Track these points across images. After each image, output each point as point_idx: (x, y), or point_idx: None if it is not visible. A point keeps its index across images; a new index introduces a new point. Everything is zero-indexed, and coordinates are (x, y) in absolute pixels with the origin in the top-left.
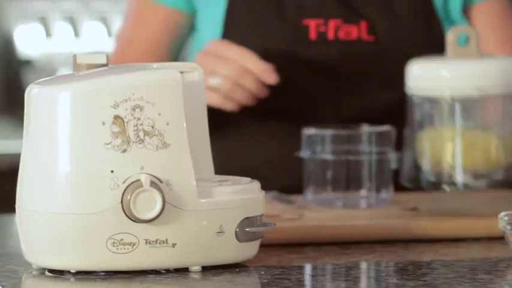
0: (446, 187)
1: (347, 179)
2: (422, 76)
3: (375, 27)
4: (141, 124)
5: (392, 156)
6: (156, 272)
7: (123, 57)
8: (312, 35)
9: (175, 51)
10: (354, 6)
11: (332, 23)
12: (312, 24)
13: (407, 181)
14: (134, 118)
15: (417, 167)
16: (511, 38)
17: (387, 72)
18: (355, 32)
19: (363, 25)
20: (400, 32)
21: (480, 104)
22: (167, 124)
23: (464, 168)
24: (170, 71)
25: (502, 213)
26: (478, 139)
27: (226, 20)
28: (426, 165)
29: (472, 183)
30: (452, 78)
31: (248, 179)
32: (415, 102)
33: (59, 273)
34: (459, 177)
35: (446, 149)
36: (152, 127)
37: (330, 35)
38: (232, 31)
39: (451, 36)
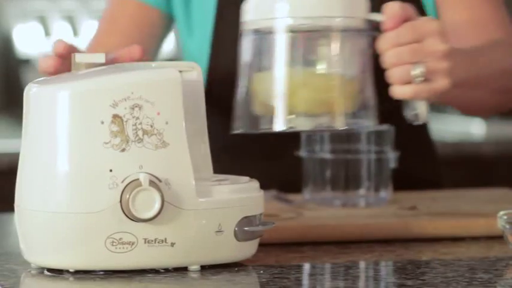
0: (278, 128)
1: (346, 178)
2: (256, 8)
3: None
4: (140, 123)
5: (391, 155)
6: (155, 271)
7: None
8: None
9: (151, 51)
10: None
11: None
12: None
13: (240, 127)
14: (133, 117)
15: (250, 110)
16: (488, 17)
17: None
18: None
19: None
20: None
21: (318, 40)
22: (166, 123)
23: (294, 111)
24: (169, 70)
25: (501, 212)
26: (312, 79)
27: (213, 41)
28: (258, 108)
29: (302, 127)
30: (287, 8)
31: (247, 178)
32: (247, 38)
33: (57, 273)
34: (289, 120)
35: (278, 89)
36: (151, 126)
37: None
38: (219, 51)
39: None
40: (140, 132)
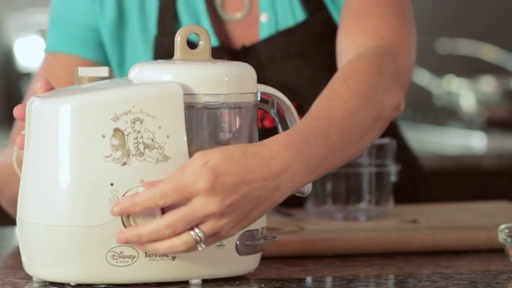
0: None
1: (347, 191)
2: (142, 80)
3: (302, 108)
4: (141, 137)
5: (392, 168)
6: (156, 285)
7: None
8: None
9: None
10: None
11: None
12: None
13: None
14: (134, 131)
15: None
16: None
17: None
18: None
19: None
20: None
21: (208, 116)
22: (167, 137)
23: None
24: (171, 84)
25: (502, 226)
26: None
27: None
28: None
29: None
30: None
31: None
32: None
33: (59, 286)
34: None
35: None
36: (152, 140)
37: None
38: None
39: (179, 37)
40: (141, 146)
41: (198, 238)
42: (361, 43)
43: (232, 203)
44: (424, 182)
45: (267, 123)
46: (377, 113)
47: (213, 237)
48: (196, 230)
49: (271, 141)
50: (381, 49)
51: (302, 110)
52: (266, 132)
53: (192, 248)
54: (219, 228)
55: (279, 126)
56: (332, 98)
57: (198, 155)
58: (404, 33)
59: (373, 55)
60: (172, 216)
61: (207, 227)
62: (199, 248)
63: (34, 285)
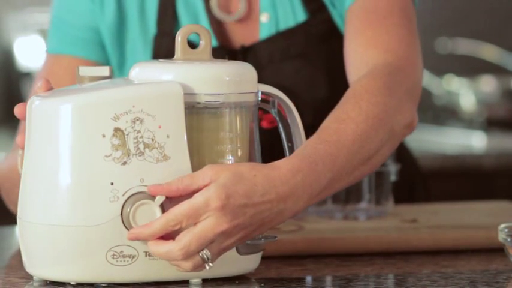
0: None
1: (347, 191)
2: (143, 79)
3: (300, 110)
4: (141, 137)
5: (392, 168)
6: (156, 284)
7: None
8: None
9: None
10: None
11: None
12: None
13: None
14: (134, 131)
15: None
16: (389, 32)
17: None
18: None
19: None
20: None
21: (208, 116)
22: (167, 137)
23: None
24: (171, 83)
25: (502, 225)
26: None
27: None
28: None
29: None
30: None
31: None
32: None
33: (59, 285)
34: None
35: None
36: (152, 140)
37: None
38: None
39: (180, 37)
40: (141, 146)
41: (205, 257)
42: (369, 59)
43: (239, 224)
44: (421, 181)
45: (264, 124)
46: (387, 135)
47: (217, 255)
48: (204, 250)
49: (281, 164)
50: (390, 66)
51: (300, 112)
52: (263, 133)
53: (199, 267)
54: (224, 247)
55: (280, 126)
56: (343, 120)
57: (208, 170)
58: (411, 47)
59: (384, 74)
60: (185, 239)
61: (214, 247)
62: (207, 267)
63: (34, 284)
